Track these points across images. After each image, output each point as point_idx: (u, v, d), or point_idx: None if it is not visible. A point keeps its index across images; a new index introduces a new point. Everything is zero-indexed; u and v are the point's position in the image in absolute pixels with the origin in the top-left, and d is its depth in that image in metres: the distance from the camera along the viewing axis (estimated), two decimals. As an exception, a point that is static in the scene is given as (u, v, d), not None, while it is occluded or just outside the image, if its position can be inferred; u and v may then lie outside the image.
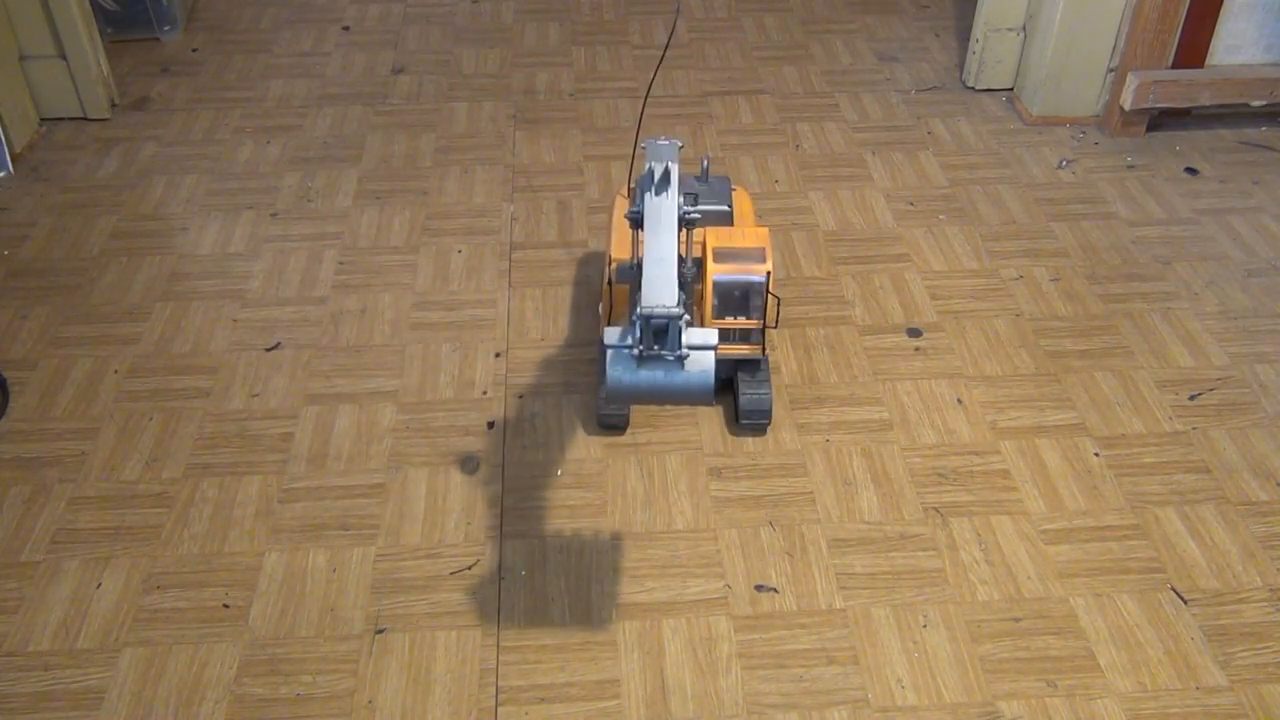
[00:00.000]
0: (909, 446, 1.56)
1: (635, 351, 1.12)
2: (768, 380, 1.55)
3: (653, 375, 1.12)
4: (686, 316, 1.12)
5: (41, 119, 2.23)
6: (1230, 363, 1.69)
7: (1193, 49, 2.13)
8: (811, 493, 1.49)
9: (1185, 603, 1.36)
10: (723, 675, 1.28)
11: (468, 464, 1.53)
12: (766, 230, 1.52)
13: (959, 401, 1.63)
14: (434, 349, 1.71)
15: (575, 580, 1.38)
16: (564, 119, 2.26)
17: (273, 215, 1.99)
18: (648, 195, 1.23)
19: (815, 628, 1.33)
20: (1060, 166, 2.13)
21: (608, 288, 1.55)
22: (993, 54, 2.30)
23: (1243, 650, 1.31)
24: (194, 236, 1.94)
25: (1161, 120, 2.23)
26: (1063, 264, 1.88)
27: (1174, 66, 2.14)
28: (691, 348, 1.12)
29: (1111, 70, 2.18)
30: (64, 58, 2.17)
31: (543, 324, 1.76)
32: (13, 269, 1.87)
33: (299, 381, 1.65)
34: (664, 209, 1.22)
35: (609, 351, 1.13)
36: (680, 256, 1.24)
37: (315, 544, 1.42)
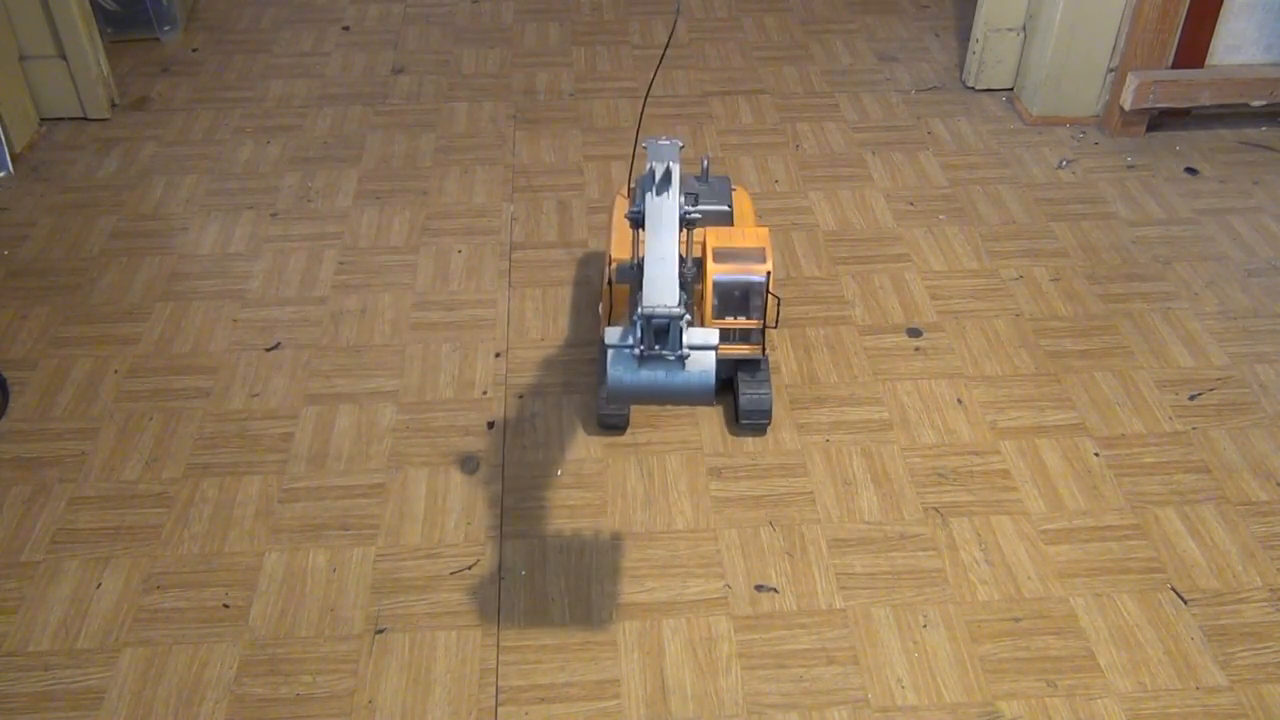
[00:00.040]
0: (909, 446, 1.56)
1: (636, 351, 1.12)
2: (768, 380, 1.55)
3: (653, 375, 1.12)
4: (687, 316, 1.12)
5: (41, 119, 2.23)
6: (1230, 363, 1.69)
7: (1193, 49, 2.13)
8: (811, 493, 1.49)
9: (1185, 603, 1.36)
10: (723, 675, 1.28)
11: (468, 464, 1.53)
12: (766, 230, 1.52)
13: (959, 401, 1.63)
14: (434, 349, 1.71)
15: (575, 580, 1.38)
16: (564, 119, 2.26)
17: (273, 215, 1.99)
18: (648, 195, 1.23)
19: (815, 628, 1.33)
20: (1060, 166, 2.13)
21: (608, 288, 1.55)
22: (993, 54, 2.30)
23: (1243, 650, 1.31)
24: (194, 236, 1.94)
25: (1161, 120, 2.23)
26: (1063, 264, 1.89)
27: (1174, 66, 2.14)
28: (692, 348, 1.12)
29: (1111, 70, 2.18)
30: (64, 58, 2.17)
31: (543, 324, 1.76)
32: (13, 269, 1.87)
33: (299, 381, 1.65)
34: (664, 209, 1.22)
35: (609, 351, 1.13)
36: (680, 256, 1.24)
37: (315, 544, 1.42)
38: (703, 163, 1.59)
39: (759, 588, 1.37)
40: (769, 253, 1.48)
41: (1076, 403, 1.62)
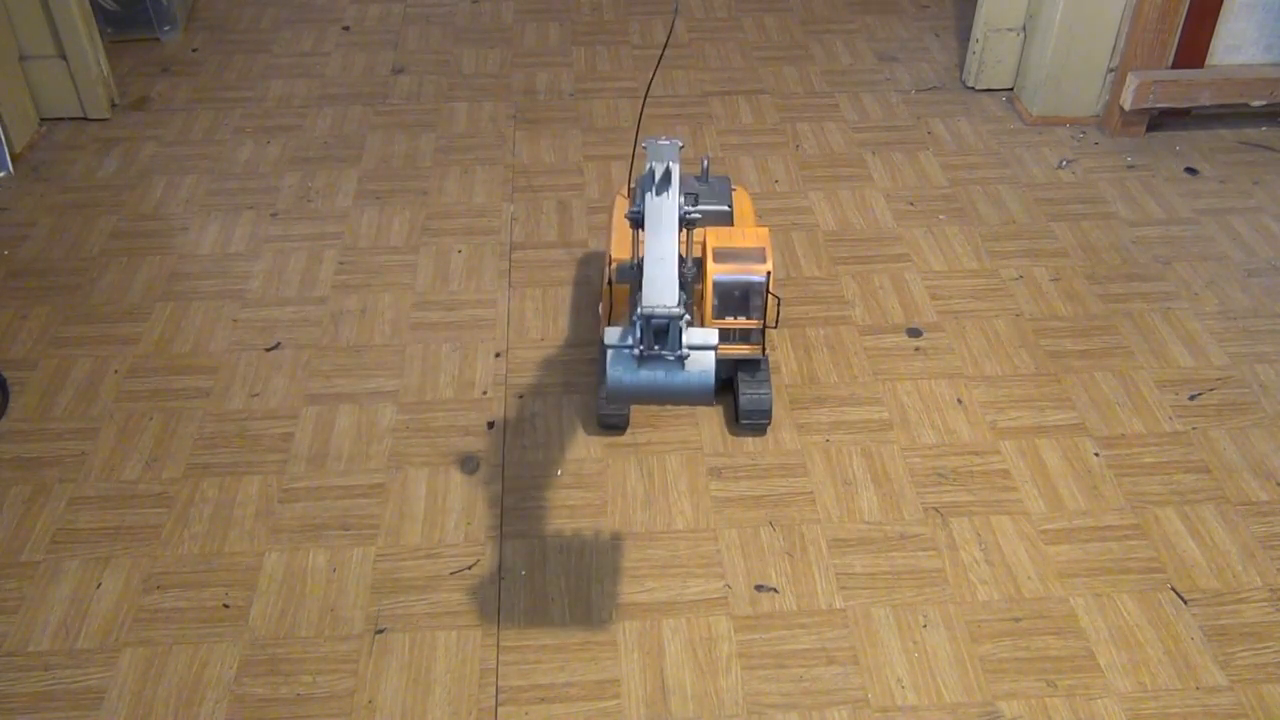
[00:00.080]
0: (909, 446, 1.56)
1: (636, 351, 1.12)
2: (768, 380, 1.55)
3: (653, 375, 1.12)
4: (687, 316, 1.12)
5: (41, 119, 2.23)
6: (1230, 363, 1.69)
7: (1193, 49, 2.13)
8: (811, 493, 1.49)
9: (1185, 603, 1.36)
10: (723, 675, 1.28)
11: (468, 464, 1.53)
12: (766, 230, 1.52)
13: (959, 401, 1.63)
14: (434, 349, 1.71)
15: (575, 580, 1.38)
16: (564, 119, 2.26)
17: (273, 215, 1.99)
18: (648, 195, 1.23)
19: (815, 628, 1.33)
20: (1060, 166, 2.13)
21: (608, 288, 1.55)
22: (993, 54, 2.30)
23: (1243, 650, 1.31)
24: (194, 236, 1.94)
25: (1161, 120, 2.23)
26: (1063, 264, 1.89)
27: (1174, 66, 2.14)
28: (692, 348, 1.12)
29: (1111, 70, 2.18)
30: (64, 58, 2.17)
31: (543, 324, 1.76)
32: (13, 269, 1.87)
33: (299, 381, 1.65)
34: (664, 209, 1.22)
35: (609, 351, 1.13)
36: (680, 256, 1.24)
37: (315, 544, 1.42)
38: (703, 163, 1.59)
39: (759, 588, 1.37)
40: (769, 253, 1.48)
41: (1076, 403, 1.62)
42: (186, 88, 2.36)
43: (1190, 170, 2.12)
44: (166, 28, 2.51)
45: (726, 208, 1.59)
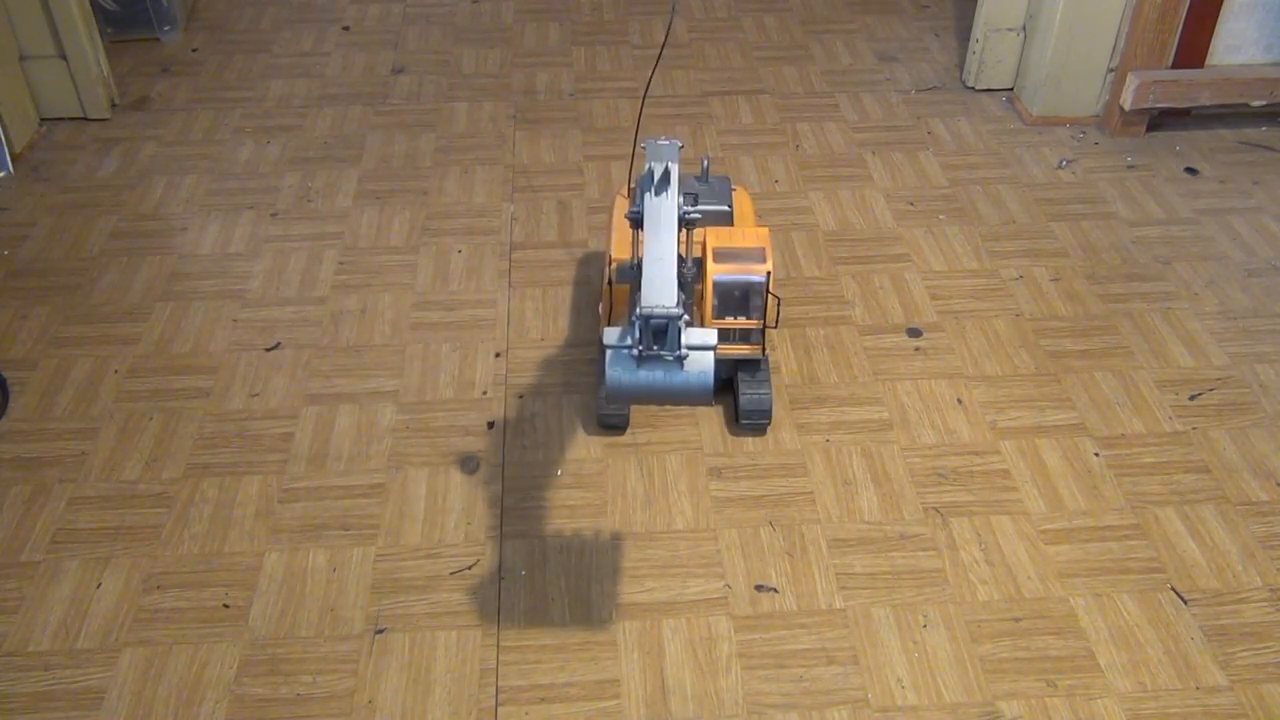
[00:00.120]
0: (909, 446, 1.56)
1: (635, 352, 1.12)
2: (768, 380, 1.55)
3: (652, 375, 1.12)
4: (686, 317, 1.12)
5: (41, 119, 2.23)
6: (1230, 363, 1.69)
7: (1193, 49, 2.13)
8: (811, 493, 1.49)
9: (1185, 603, 1.36)
10: (723, 675, 1.28)
11: (468, 464, 1.53)
12: (766, 230, 1.52)
13: (959, 401, 1.63)
14: (434, 349, 1.71)
15: (575, 580, 1.38)
16: (564, 119, 2.26)
17: (273, 215, 1.99)
18: (648, 195, 1.23)
19: (815, 628, 1.33)
20: (1060, 166, 2.13)
21: (608, 288, 1.55)
22: (993, 54, 2.30)
23: (1243, 650, 1.31)
24: (194, 236, 1.94)
25: (1161, 120, 2.23)
26: (1063, 264, 1.89)
27: (1174, 66, 2.14)
28: (691, 348, 1.12)
29: (1111, 70, 2.18)
30: (64, 58, 2.17)
31: (543, 324, 1.76)
32: (13, 269, 1.87)
33: (299, 381, 1.65)
34: (664, 209, 1.22)
35: (609, 352, 1.13)
36: (680, 256, 1.24)
37: (315, 544, 1.42)
38: (703, 163, 1.59)
39: (759, 588, 1.37)
40: (769, 253, 1.48)
41: (1076, 403, 1.62)
42: (186, 88, 2.36)
43: (1190, 170, 2.12)
44: (166, 28, 2.51)
45: (726, 208, 1.59)
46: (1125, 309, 1.79)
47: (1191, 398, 1.63)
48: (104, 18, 2.44)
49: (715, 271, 1.47)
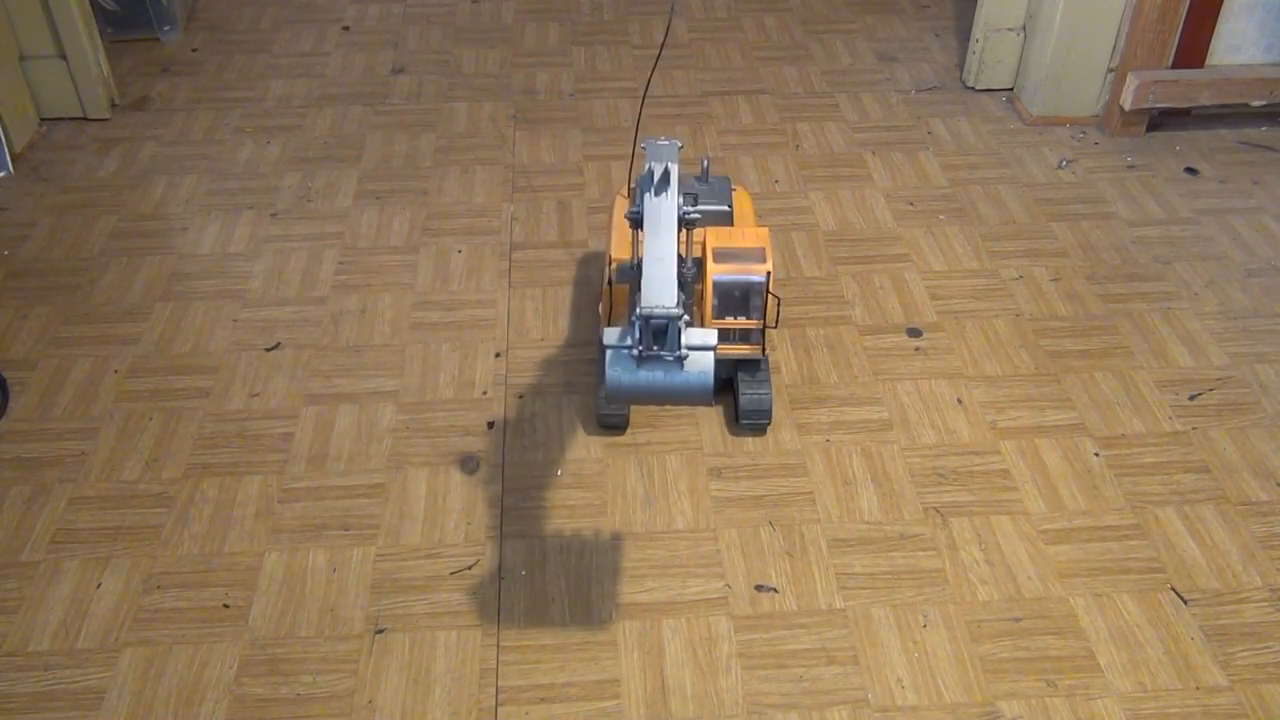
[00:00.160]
0: (909, 446, 1.56)
1: (635, 352, 1.12)
2: (768, 380, 1.55)
3: (652, 375, 1.12)
4: (686, 317, 1.12)
5: (41, 119, 2.23)
6: (1230, 363, 1.69)
7: (1193, 49, 2.13)
8: (811, 493, 1.49)
9: (1185, 603, 1.36)
10: (723, 675, 1.28)
11: (468, 464, 1.53)
12: (766, 230, 1.52)
13: (959, 401, 1.63)
14: (434, 349, 1.71)
15: (575, 580, 1.38)
16: (564, 119, 2.26)
17: (273, 215, 1.99)
18: (648, 195, 1.23)
19: (815, 628, 1.33)
20: (1060, 166, 2.13)
21: (608, 288, 1.55)
22: (993, 54, 2.30)
23: (1243, 650, 1.31)
24: (194, 236, 1.94)
25: (1161, 120, 2.23)
26: (1063, 264, 1.89)
27: (1174, 66, 2.14)
28: (691, 348, 1.12)
29: (1111, 70, 2.18)
30: (64, 58, 2.17)
31: (543, 324, 1.76)
32: (13, 269, 1.87)
33: (299, 381, 1.65)
34: (664, 209, 1.22)
35: (609, 352, 1.13)
36: (680, 256, 1.24)
37: (315, 544, 1.42)
38: (703, 163, 1.59)
39: (759, 588, 1.37)
40: (769, 253, 1.48)
41: (1076, 403, 1.62)
42: (186, 88, 2.36)
43: (1190, 170, 2.12)
44: (166, 28, 2.51)
45: (726, 208, 1.59)
46: (1125, 309, 1.79)
47: (1191, 398, 1.63)
48: (104, 18, 2.44)
49: (715, 271, 1.47)
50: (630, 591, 1.37)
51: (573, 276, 1.85)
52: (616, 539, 1.43)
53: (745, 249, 1.48)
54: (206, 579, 1.38)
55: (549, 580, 1.38)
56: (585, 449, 1.55)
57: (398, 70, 2.43)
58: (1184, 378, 1.67)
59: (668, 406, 1.60)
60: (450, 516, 1.46)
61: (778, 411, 1.60)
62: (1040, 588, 1.37)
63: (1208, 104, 2.15)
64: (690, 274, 1.40)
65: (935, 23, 2.61)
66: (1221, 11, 2.10)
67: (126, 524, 1.45)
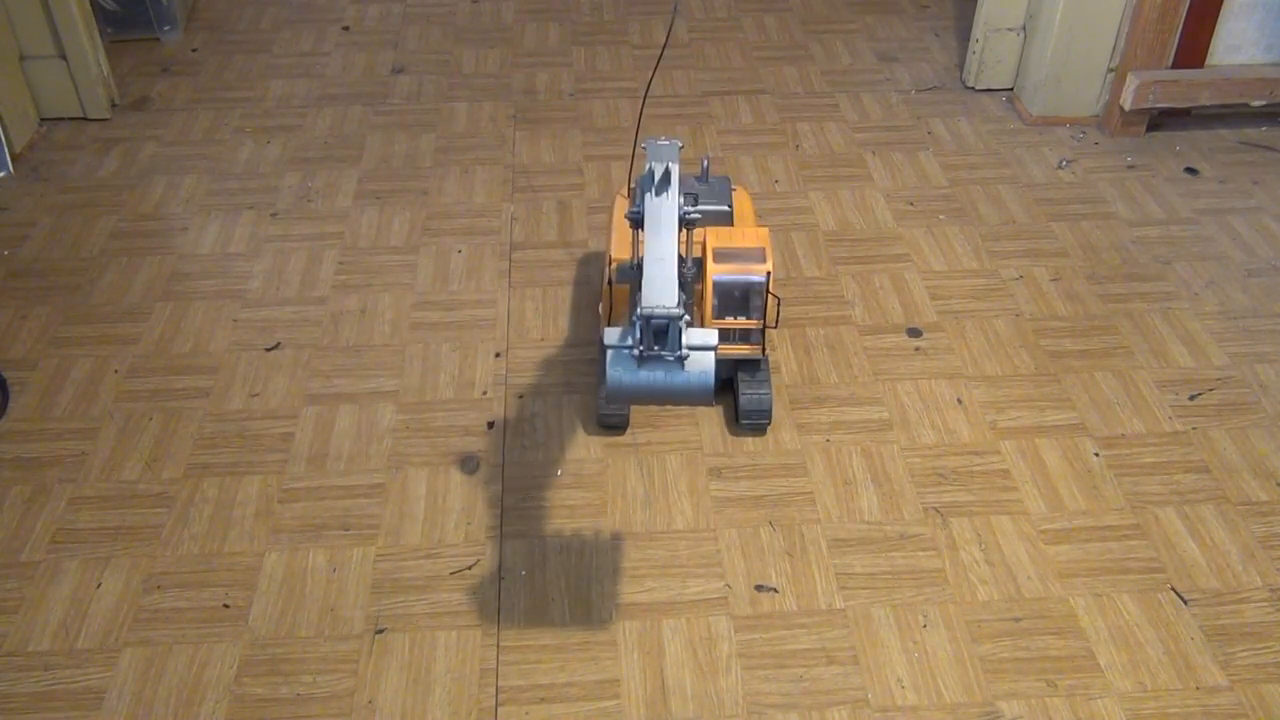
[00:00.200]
0: (909, 446, 1.56)
1: (635, 352, 1.12)
2: (768, 380, 1.55)
3: (652, 376, 1.12)
4: (686, 317, 1.12)
5: (41, 119, 2.23)
6: (1230, 363, 1.69)
7: (1193, 49, 2.13)
8: (811, 493, 1.49)
9: (1185, 603, 1.36)
10: (723, 675, 1.28)
11: (468, 464, 1.53)
12: (766, 230, 1.52)
13: (959, 401, 1.63)
14: (434, 349, 1.71)
15: (575, 580, 1.38)
16: (564, 119, 2.26)
17: (273, 215, 1.99)
18: (648, 195, 1.23)
19: (815, 628, 1.33)
20: (1060, 166, 2.13)
21: (608, 288, 1.55)
22: (993, 54, 2.30)
23: (1243, 650, 1.31)
24: (194, 236, 1.94)
25: (1161, 120, 2.23)
26: (1063, 264, 1.89)
27: (1174, 66, 2.14)
28: (691, 348, 1.12)
29: (1111, 70, 2.18)
30: (64, 58, 2.17)
31: (543, 324, 1.76)
32: (13, 269, 1.87)
33: (299, 381, 1.65)
34: (664, 209, 1.22)
35: (609, 352, 1.13)
36: (680, 256, 1.24)
37: (315, 544, 1.42)
38: (703, 163, 1.59)
39: (759, 588, 1.37)
40: (769, 253, 1.48)
41: (1076, 403, 1.62)
42: (186, 88, 2.36)
43: (1190, 170, 2.12)
44: (166, 28, 2.51)
45: (726, 208, 1.59)
46: (1125, 309, 1.79)
47: (1191, 398, 1.63)
48: (104, 18, 2.44)
49: (715, 271, 1.47)
50: (630, 591, 1.37)
51: (573, 276, 1.85)
52: (616, 539, 1.43)
53: (745, 249, 1.48)
54: (206, 579, 1.38)
55: (549, 580, 1.38)
56: (585, 449, 1.55)
57: (398, 70, 2.43)
58: (1184, 378, 1.67)
59: (668, 406, 1.60)
60: (450, 516, 1.46)
61: (778, 411, 1.60)
62: (1040, 588, 1.37)
63: (1208, 104, 2.15)
64: (690, 274, 1.40)
65: (935, 23, 2.61)
66: (1221, 11, 2.10)
67: (126, 524, 1.45)
